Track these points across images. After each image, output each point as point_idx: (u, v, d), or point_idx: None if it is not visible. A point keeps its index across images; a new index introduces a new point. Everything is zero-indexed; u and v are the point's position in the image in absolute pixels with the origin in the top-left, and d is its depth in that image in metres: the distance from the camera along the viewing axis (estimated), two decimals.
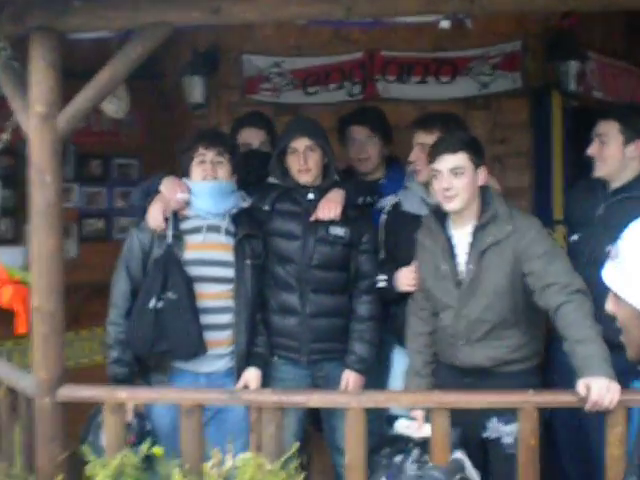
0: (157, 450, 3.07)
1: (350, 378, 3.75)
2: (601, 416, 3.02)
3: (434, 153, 3.39)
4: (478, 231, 3.38)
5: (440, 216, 3.50)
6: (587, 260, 3.45)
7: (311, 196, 3.80)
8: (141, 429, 3.46)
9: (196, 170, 3.63)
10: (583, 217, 3.72)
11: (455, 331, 3.43)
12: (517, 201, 4.40)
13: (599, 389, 2.91)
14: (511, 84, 5.04)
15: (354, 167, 4.29)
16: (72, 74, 3.55)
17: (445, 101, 5.00)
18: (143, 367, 3.66)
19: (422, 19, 3.39)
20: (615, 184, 3.63)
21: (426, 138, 3.75)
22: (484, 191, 3.44)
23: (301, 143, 3.74)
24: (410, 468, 3.20)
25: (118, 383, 3.52)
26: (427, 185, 3.74)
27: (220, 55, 5.28)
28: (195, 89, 5.23)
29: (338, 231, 3.76)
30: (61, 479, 3.21)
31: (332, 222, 3.74)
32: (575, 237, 3.73)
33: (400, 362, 3.84)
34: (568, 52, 4.91)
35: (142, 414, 3.51)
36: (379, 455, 3.32)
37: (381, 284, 3.79)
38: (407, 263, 3.72)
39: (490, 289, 3.35)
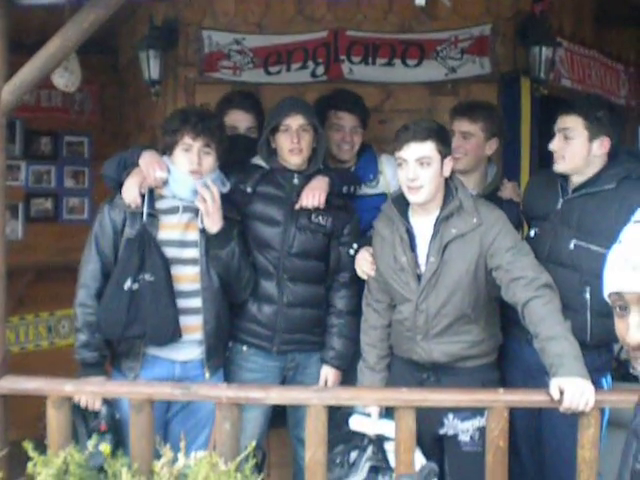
0: (105, 448, 2.90)
1: (329, 374, 3.68)
2: (562, 418, 2.94)
3: (400, 140, 3.26)
4: (441, 223, 3.28)
5: (401, 205, 3.38)
6: (546, 257, 3.36)
7: (296, 181, 3.67)
8: (111, 415, 3.33)
9: (180, 157, 3.45)
10: (542, 212, 3.63)
11: (413, 325, 3.33)
12: None
13: (573, 392, 2.82)
14: (479, 69, 4.94)
15: (330, 153, 4.09)
16: (23, 46, 3.46)
17: (411, 85, 4.89)
18: (114, 353, 3.51)
19: None
20: (576, 180, 3.53)
21: (469, 127, 3.80)
22: (448, 181, 3.34)
23: (295, 121, 3.60)
24: (364, 466, 3.14)
25: (87, 368, 3.38)
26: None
27: (178, 30, 5.11)
28: (151, 65, 5.05)
29: (320, 219, 3.66)
30: (1, 478, 3.04)
31: (315, 210, 3.63)
32: (532, 232, 3.63)
33: None
34: (539, 38, 4.82)
35: (110, 402, 3.36)
36: (333, 453, 3.24)
37: (352, 251, 3.67)
38: None
39: (451, 283, 3.26)
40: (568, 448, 3.04)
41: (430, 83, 4.95)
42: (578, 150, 3.46)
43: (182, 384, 3.20)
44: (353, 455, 3.24)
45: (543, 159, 4.72)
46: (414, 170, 3.22)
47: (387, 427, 3.16)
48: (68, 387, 3.12)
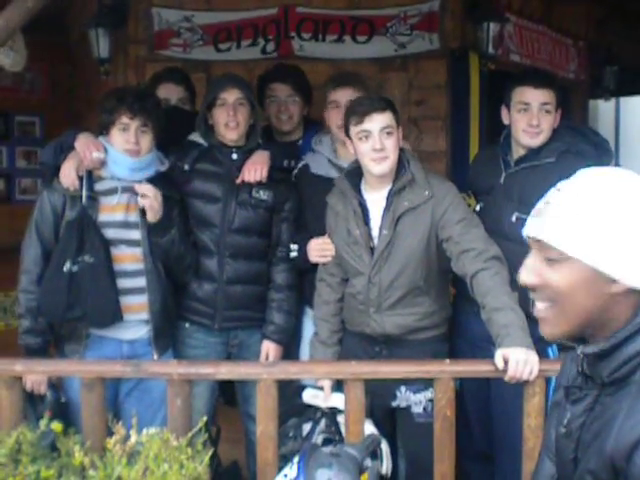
0: (57, 426, 2.90)
1: (270, 349, 3.66)
2: (509, 387, 2.98)
3: (359, 113, 3.25)
4: (394, 195, 3.29)
5: (353, 180, 3.39)
6: (490, 230, 3.39)
7: (234, 156, 3.64)
8: (57, 401, 3.31)
9: (117, 136, 3.41)
10: (485, 186, 3.68)
11: (366, 298, 3.35)
12: (433, 165, 4.36)
13: (517, 361, 2.86)
14: (428, 45, 4.98)
15: (273, 127, 4.12)
16: None
17: (361, 61, 4.89)
18: (57, 336, 3.47)
19: None
20: (518, 153, 3.58)
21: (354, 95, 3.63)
22: (400, 154, 3.34)
23: (232, 95, 3.56)
24: (317, 439, 3.15)
25: (31, 354, 3.35)
26: (334, 147, 3.69)
27: (128, 8, 5.09)
28: (101, 43, 5.04)
29: (261, 194, 3.63)
30: None
31: (256, 184, 3.60)
32: (478, 207, 3.68)
33: (309, 329, 3.75)
34: (487, 13, 4.87)
35: (55, 385, 3.35)
36: (286, 426, 3.25)
37: (293, 254, 3.68)
38: (319, 228, 3.60)
39: (403, 255, 3.28)
40: (515, 417, 3.08)
41: (380, 59, 4.97)
42: (552, 123, 3.52)
43: (133, 362, 3.20)
44: (306, 428, 3.25)
45: (492, 133, 4.78)
46: (380, 140, 3.22)
47: (339, 400, 3.18)
48: (18, 367, 3.09)
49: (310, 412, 3.30)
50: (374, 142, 3.22)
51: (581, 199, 1.61)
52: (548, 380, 2.94)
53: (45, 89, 6.15)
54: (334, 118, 3.65)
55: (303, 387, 3.37)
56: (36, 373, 3.25)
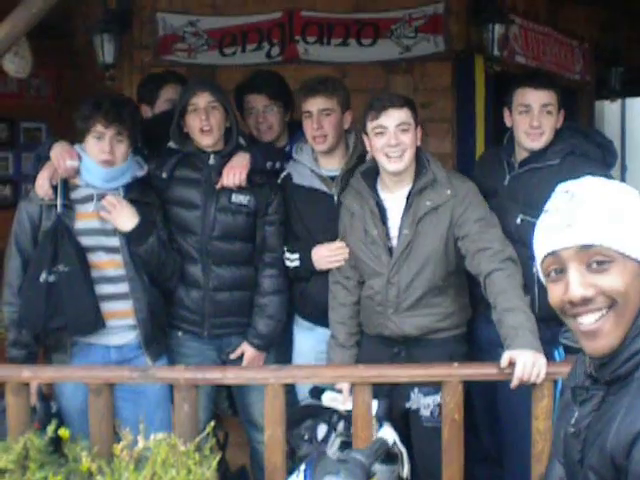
0: (64, 432, 2.90)
1: (247, 351, 3.61)
2: (517, 390, 2.94)
3: (376, 109, 3.25)
4: (414, 196, 3.28)
5: (369, 179, 3.38)
6: None
7: (212, 162, 3.58)
8: (46, 413, 3.26)
9: (92, 145, 3.36)
10: (490, 189, 3.66)
11: (384, 299, 3.34)
12: None
13: (524, 363, 2.84)
14: (434, 47, 4.98)
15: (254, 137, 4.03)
16: None
17: (366, 64, 4.90)
18: (44, 347, 3.46)
19: None
20: (521, 155, 3.57)
21: (328, 103, 3.57)
22: (420, 153, 3.34)
23: (203, 99, 3.50)
24: (335, 441, 3.12)
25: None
26: (315, 156, 3.63)
27: (133, 13, 5.10)
28: (106, 49, 5.04)
29: (241, 199, 3.56)
30: None
31: (236, 189, 3.55)
32: None
33: (301, 340, 3.76)
34: (492, 15, 4.86)
35: (46, 396, 3.32)
36: (301, 427, 3.23)
37: (293, 263, 3.62)
38: (306, 237, 3.59)
39: (423, 255, 3.28)
40: (523, 420, 3.07)
41: (385, 62, 4.97)
42: (554, 124, 3.51)
43: (140, 367, 3.20)
44: (321, 430, 3.22)
45: (498, 135, 4.77)
46: (396, 136, 3.22)
47: None
48: (26, 373, 3.08)
49: (326, 414, 3.27)
50: (389, 137, 3.22)
51: (611, 197, 1.62)
52: (556, 383, 2.93)
53: (51, 95, 6.16)
54: (308, 129, 3.59)
55: (320, 390, 3.35)
56: (43, 379, 3.24)
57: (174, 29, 5.06)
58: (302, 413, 3.31)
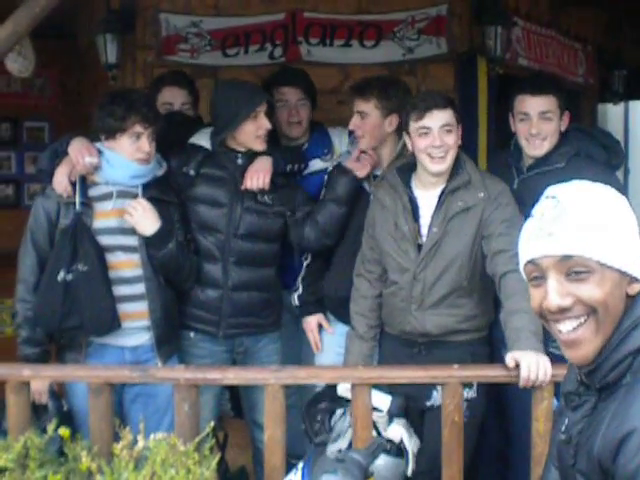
0: (64, 432, 2.90)
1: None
2: (523, 391, 2.96)
3: (421, 109, 3.25)
4: (447, 195, 3.29)
5: (404, 175, 3.40)
6: None
7: (240, 161, 3.60)
8: (58, 411, 3.29)
9: (127, 144, 3.33)
10: None
11: (409, 295, 3.34)
12: None
13: (528, 364, 2.86)
14: (436, 49, 4.98)
15: (281, 132, 4.02)
16: None
17: (369, 66, 4.89)
18: (58, 346, 3.46)
19: None
20: (528, 161, 3.57)
21: (363, 106, 3.61)
22: (458, 153, 3.35)
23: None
24: (348, 432, 3.09)
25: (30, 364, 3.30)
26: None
27: (136, 13, 5.09)
28: (109, 49, 5.03)
29: (267, 199, 3.59)
30: None
31: (260, 191, 3.57)
32: None
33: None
34: (494, 17, 4.85)
35: (57, 394, 3.33)
36: (316, 408, 3.22)
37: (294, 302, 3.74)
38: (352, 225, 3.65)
39: (451, 254, 3.29)
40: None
41: (388, 64, 4.96)
42: (555, 130, 3.50)
43: (140, 367, 3.19)
44: (337, 414, 3.21)
45: (500, 137, 4.78)
46: (440, 137, 3.22)
47: (375, 398, 3.11)
48: (26, 372, 3.09)
49: (340, 401, 3.24)
50: (433, 139, 3.23)
51: (596, 205, 1.62)
52: (557, 385, 2.93)
53: (54, 95, 6.17)
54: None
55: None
56: (43, 378, 3.25)
57: (177, 29, 5.06)
58: (323, 393, 3.30)
